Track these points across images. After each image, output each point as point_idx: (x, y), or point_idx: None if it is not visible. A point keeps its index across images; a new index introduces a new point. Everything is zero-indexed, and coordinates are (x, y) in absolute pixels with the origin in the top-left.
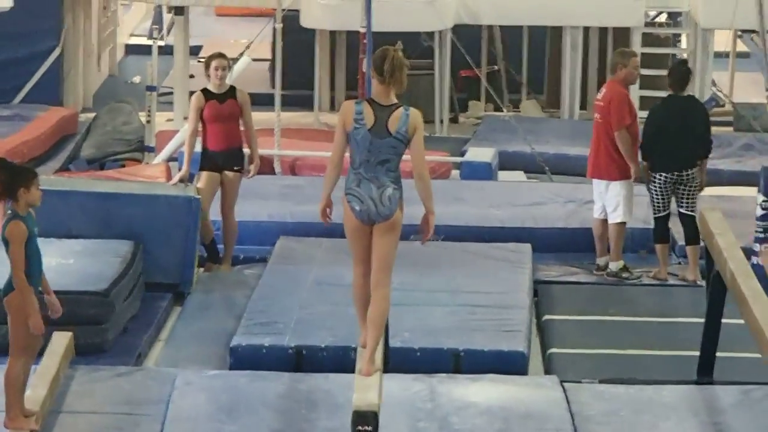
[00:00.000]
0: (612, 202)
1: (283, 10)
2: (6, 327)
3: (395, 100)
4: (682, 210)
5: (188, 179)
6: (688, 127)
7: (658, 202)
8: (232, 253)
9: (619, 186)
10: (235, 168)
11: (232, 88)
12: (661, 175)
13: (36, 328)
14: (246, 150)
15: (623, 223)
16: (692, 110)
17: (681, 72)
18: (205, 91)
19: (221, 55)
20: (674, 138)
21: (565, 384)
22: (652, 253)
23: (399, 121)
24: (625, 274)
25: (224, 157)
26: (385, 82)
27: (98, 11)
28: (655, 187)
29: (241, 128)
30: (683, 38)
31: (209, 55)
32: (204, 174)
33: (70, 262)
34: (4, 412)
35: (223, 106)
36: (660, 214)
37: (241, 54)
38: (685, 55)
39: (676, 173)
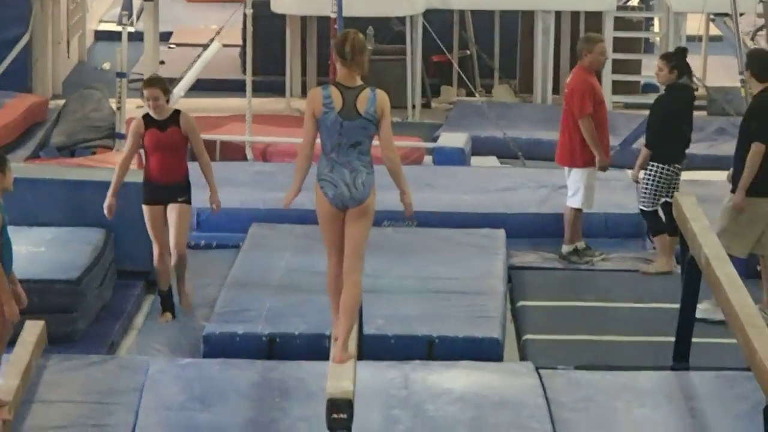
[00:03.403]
0: (572, 187)
1: None
2: None
3: (360, 82)
4: (668, 199)
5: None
6: (691, 115)
7: (658, 193)
8: (186, 289)
9: (580, 173)
10: (180, 199)
11: (176, 113)
12: (673, 166)
13: (11, 315)
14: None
15: (579, 210)
16: (693, 99)
17: (684, 58)
18: (146, 116)
19: (152, 83)
20: (684, 127)
21: (541, 370)
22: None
23: (367, 102)
24: (574, 258)
25: (168, 189)
26: (348, 65)
27: None
28: (660, 177)
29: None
30: (656, 22)
31: (143, 81)
32: (146, 209)
33: (40, 251)
34: None
35: (164, 135)
36: (654, 208)
37: (212, 40)
38: (657, 39)
39: (684, 162)
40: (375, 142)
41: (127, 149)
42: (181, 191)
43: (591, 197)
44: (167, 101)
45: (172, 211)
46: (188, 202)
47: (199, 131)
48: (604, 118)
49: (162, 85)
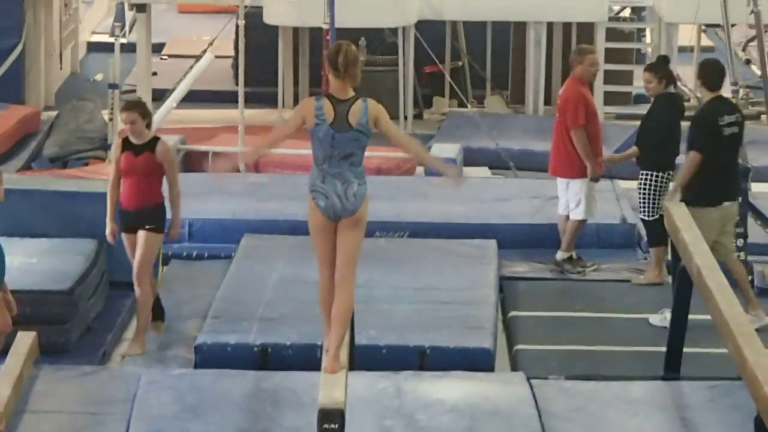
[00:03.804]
0: (574, 200)
1: (246, 6)
2: None
3: (353, 94)
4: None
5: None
6: (680, 122)
7: (657, 201)
8: (144, 335)
9: (580, 184)
10: (147, 227)
11: (154, 140)
12: (668, 173)
13: (3, 326)
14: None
15: (584, 220)
16: (684, 107)
17: (668, 66)
18: (125, 139)
19: (129, 107)
20: (676, 135)
21: (532, 380)
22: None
23: (359, 114)
24: (567, 266)
25: (138, 216)
26: (341, 77)
27: (60, 8)
28: (656, 184)
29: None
30: (647, 33)
31: (123, 104)
32: (123, 236)
33: (33, 261)
34: None
35: (137, 159)
36: (655, 216)
37: (204, 51)
38: (649, 50)
39: (676, 171)
40: (368, 153)
41: (112, 173)
42: (150, 218)
43: (592, 206)
44: (148, 125)
45: (139, 238)
46: (158, 230)
47: (176, 162)
48: (597, 130)
49: (140, 109)
